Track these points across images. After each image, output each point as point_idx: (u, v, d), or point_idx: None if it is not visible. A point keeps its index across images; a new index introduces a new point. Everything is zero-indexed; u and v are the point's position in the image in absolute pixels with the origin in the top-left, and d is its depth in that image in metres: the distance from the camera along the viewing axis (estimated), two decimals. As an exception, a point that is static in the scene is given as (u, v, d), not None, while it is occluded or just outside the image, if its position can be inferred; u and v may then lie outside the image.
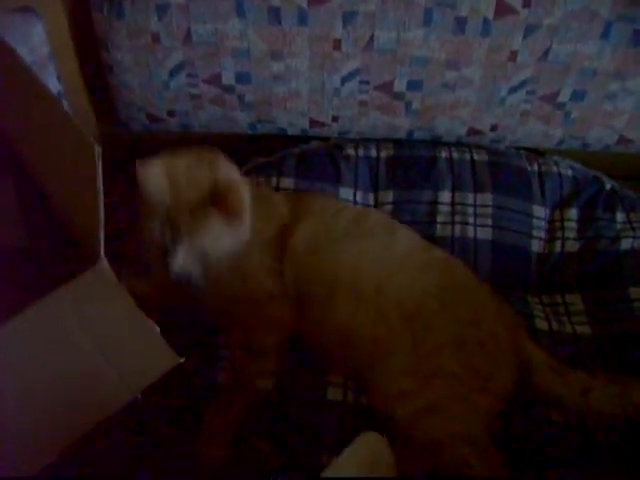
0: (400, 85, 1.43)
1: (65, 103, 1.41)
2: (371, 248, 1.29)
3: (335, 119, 1.51)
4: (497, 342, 1.21)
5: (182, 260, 1.17)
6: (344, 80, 1.42)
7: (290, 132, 1.56)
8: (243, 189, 1.22)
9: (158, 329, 1.02)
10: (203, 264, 1.19)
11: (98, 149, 0.96)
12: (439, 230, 1.43)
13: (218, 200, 1.17)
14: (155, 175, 1.17)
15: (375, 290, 1.23)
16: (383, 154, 1.52)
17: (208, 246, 1.18)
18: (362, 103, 1.47)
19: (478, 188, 1.46)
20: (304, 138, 1.58)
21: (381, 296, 1.22)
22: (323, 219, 1.33)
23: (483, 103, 1.46)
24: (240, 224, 1.21)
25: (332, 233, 1.30)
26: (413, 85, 1.43)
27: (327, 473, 0.99)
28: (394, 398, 1.15)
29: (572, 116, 1.46)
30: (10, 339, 1.01)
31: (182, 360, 1.02)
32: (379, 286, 1.23)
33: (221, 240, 1.20)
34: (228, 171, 1.24)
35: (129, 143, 1.54)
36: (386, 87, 1.43)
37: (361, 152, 1.52)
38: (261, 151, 1.56)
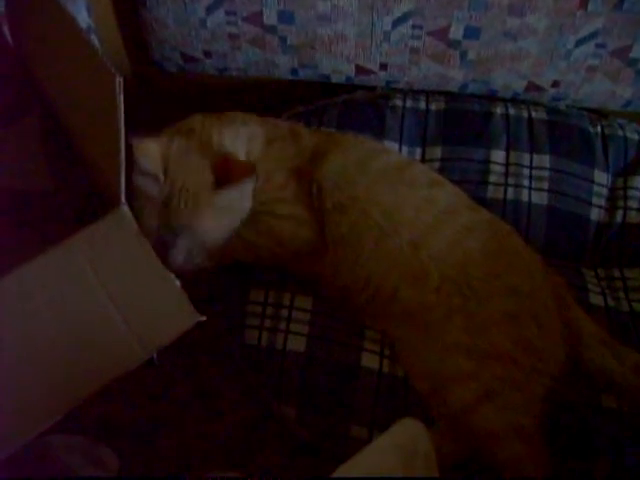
0: (456, 32, 1.32)
1: (95, 39, 1.34)
2: (410, 197, 1.19)
3: (383, 67, 1.40)
4: (549, 315, 1.12)
5: (183, 257, 1.11)
6: (395, 23, 1.31)
7: (334, 80, 1.46)
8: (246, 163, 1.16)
9: (179, 282, 0.96)
10: (206, 250, 1.14)
11: (119, 79, 0.88)
12: (491, 191, 1.33)
13: (221, 179, 1.11)
14: (151, 157, 1.11)
15: (411, 245, 1.13)
16: (433, 107, 1.42)
17: (212, 235, 1.13)
18: (413, 50, 1.36)
19: (535, 149, 1.36)
20: (348, 87, 1.48)
21: (419, 253, 1.13)
22: (358, 155, 1.24)
23: (546, 55, 1.34)
24: (250, 185, 1.15)
25: (367, 172, 1.21)
26: (470, 32, 1.31)
27: (359, 459, 0.91)
28: (449, 380, 1.07)
29: (645, 74, 1.34)
30: (21, 285, 0.96)
31: (203, 318, 0.96)
32: (416, 242, 1.14)
33: (228, 221, 1.15)
34: (228, 144, 1.18)
35: (164, 85, 1.46)
36: (441, 33, 1.32)
37: (409, 104, 1.42)
38: (302, 99, 1.47)
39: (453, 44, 1.34)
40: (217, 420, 1.12)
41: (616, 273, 1.30)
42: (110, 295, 0.95)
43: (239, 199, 1.16)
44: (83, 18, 1.30)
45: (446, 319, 1.10)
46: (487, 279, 1.12)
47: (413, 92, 1.45)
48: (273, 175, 1.19)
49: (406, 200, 1.19)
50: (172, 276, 0.96)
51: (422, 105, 1.43)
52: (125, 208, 0.96)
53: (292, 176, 1.20)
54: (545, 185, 1.33)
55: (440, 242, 1.15)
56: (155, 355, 0.96)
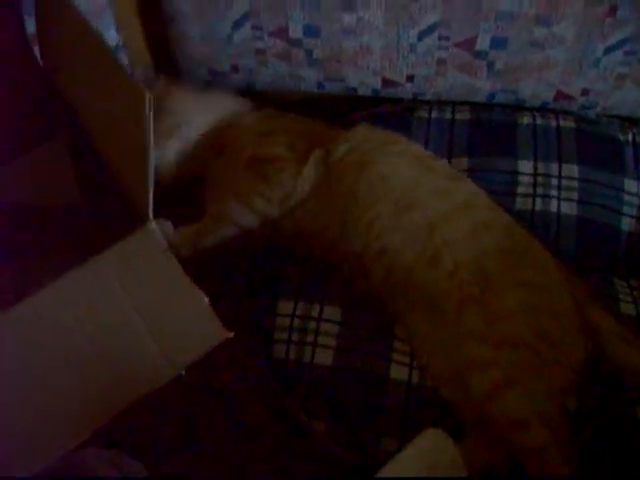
0: (483, 42, 1.30)
1: (123, 56, 1.36)
2: (428, 182, 1.19)
3: (410, 78, 1.40)
4: (567, 311, 1.10)
5: None
6: (421, 35, 1.31)
7: (361, 92, 1.46)
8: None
9: (207, 299, 0.97)
10: None
11: (149, 97, 0.90)
12: (519, 202, 1.31)
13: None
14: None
15: (428, 228, 1.13)
16: (459, 117, 1.41)
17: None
18: (440, 61, 1.35)
19: (563, 158, 1.33)
20: (375, 99, 1.47)
21: (435, 237, 1.13)
22: (380, 137, 1.27)
23: (575, 64, 1.32)
24: None
25: (387, 151, 1.22)
26: (497, 43, 1.30)
27: (385, 471, 0.91)
28: (466, 366, 1.06)
29: (675, 81, 1.31)
30: (53, 301, 0.97)
31: (231, 335, 0.96)
32: (433, 225, 1.13)
33: None
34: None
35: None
36: (467, 44, 1.31)
37: (435, 114, 1.41)
38: (329, 114, 1.45)
39: (480, 55, 1.33)
40: (246, 438, 1.12)
41: (649, 283, 1.27)
42: (139, 312, 0.96)
43: None
44: (112, 35, 1.31)
45: (461, 306, 1.09)
46: (503, 273, 1.11)
47: (439, 103, 1.44)
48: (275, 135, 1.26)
49: (424, 184, 1.19)
50: (200, 293, 0.97)
51: (448, 115, 1.41)
52: (153, 225, 0.97)
53: (297, 138, 1.26)
54: (574, 195, 1.30)
55: (455, 232, 1.14)
56: (183, 371, 0.97)
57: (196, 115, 1.31)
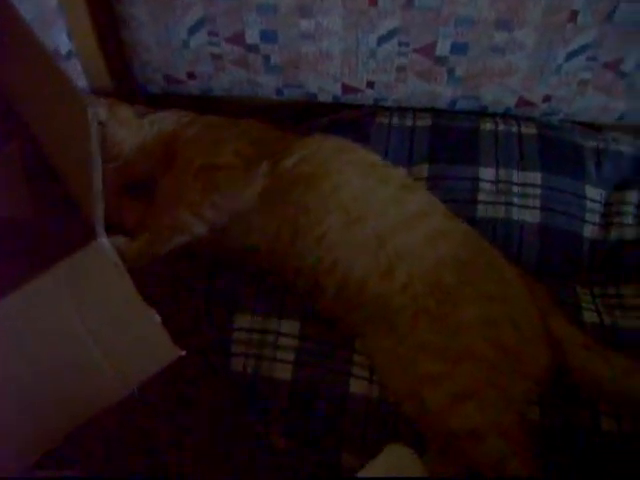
0: (443, 48, 1.30)
1: (77, 63, 1.33)
2: (380, 192, 1.17)
3: (370, 85, 1.38)
4: (529, 321, 1.09)
5: None
6: (381, 41, 1.29)
7: (321, 99, 1.44)
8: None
9: (159, 318, 0.94)
10: None
11: (92, 112, 0.87)
12: (480, 210, 1.29)
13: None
14: None
15: (377, 239, 1.12)
16: (420, 123, 1.39)
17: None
18: (400, 68, 1.34)
19: (525, 165, 1.32)
20: (335, 106, 1.46)
21: (383, 249, 1.11)
22: (335, 144, 1.24)
23: (536, 70, 1.31)
24: None
25: (340, 159, 1.20)
26: (457, 48, 1.29)
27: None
28: (420, 381, 1.04)
29: (637, 86, 1.31)
30: (2, 318, 0.94)
31: (183, 353, 0.94)
32: (382, 235, 1.12)
33: None
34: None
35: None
36: (427, 50, 1.30)
37: (395, 121, 1.40)
38: (288, 121, 1.44)
39: (440, 60, 1.32)
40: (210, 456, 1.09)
41: (612, 291, 1.25)
42: (89, 329, 0.94)
43: None
44: (64, 42, 1.28)
45: (415, 319, 1.07)
46: (461, 284, 1.10)
47: (401, 109, 1.43)
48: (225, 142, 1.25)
49: (376, 193, 1.17)
50: (152, 310, 0.95)
51: (408, 122, 1.40)
52: (103, 240, 0.94)
53: (246, 145, 1.24)
54: (536, 203, 1.29)
55: (409, 242, 1.12)
56: (135, 389, 0.95)
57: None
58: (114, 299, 0.97)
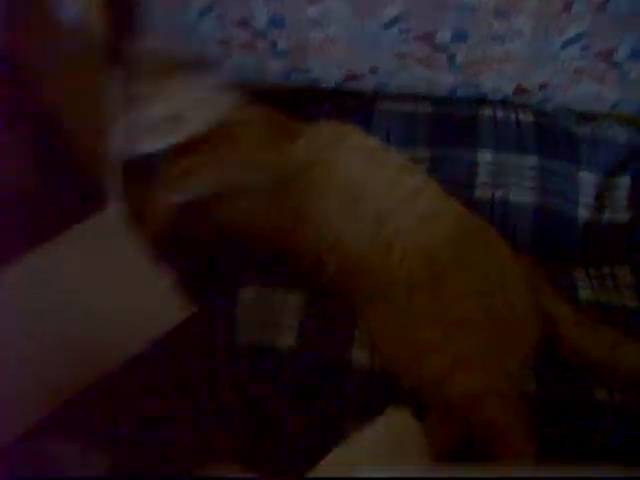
0: (443, 36, 1.34)
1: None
2: (378, 175, 1.23)
3: (373, 71, 1.42)
4: (520, 295, 1.13)
5: None
6: (384, 27, 1.33)
7: (324, 84, 1.47)
8: None
9: (169, 279, 0.97)
10: None
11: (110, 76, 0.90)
12: (478, 192, 1.33)
13: None
14: None
15: (376, 215, 1.17)
16: (421, 110, 1.43)
17: None
18: (401, 55, 1.38)
19: (522, 149, 1.36)
20: (338, 93, 1.48)
21: (383, 227, 1.17)
22: (336, 130, 1.28)
23: (533, 58, 1.36)
24: None
25: (341, 145, 1.25)
26: (458, 36, 1.33)
27: (350, 448, 0.91)
28: (420, 351, 1.07)
29: (630, 76, 1.35)
30: (13, 282, 0.97)
31: (195, 310, 0.97)
32: (380, 214, 1.17)
33: None
34: None
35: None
36: (428, 37, 1.34)
37: (396, 107, 1.43)
38: (291, 107, 1.44)
39: (441, 48, 1.35)
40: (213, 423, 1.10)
41: (606, 270, 1.29)
42: (99, 290, 0.96)
43: None
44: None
45: (411, 291, 1.11)
46: (455, 259, 1.14)
47: (402, 96, 1.46)
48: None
49: (375, 176, 1.22)
50: (161, 273, 0.97)
51: (409, 108, 1.43)
52: (114, 208, 0.97)
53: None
54: (532, 184, 1.33)
55: (405, 221, 1.17)
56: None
57: (196, 114, 1.29)
58: (124, 263, 0.99)
